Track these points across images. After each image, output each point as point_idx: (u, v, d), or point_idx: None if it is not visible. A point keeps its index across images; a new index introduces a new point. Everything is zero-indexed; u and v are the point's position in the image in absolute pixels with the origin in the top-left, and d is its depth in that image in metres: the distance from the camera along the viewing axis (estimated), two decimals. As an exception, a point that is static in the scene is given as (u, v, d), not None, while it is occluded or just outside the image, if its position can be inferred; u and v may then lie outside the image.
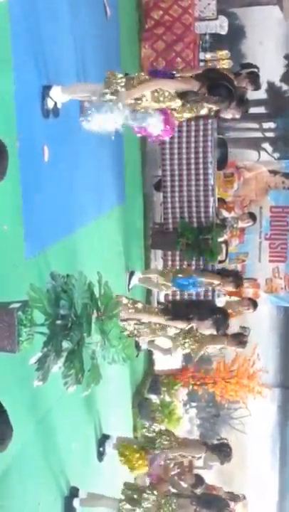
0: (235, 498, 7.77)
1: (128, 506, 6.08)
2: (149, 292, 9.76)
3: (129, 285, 8.42)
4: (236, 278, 8.41)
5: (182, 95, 5.38)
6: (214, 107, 5.62)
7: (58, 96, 5.54)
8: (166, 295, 9.04)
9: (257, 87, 7.03)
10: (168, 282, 8.28)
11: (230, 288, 8.47)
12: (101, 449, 7.09)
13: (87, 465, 6.91)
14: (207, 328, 6.32)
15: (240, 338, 7.41)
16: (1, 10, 4.62)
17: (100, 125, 5.27)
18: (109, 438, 7.21)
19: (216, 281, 8.29)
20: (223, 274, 8.48)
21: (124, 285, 8.30)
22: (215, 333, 6.42)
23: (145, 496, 6.10)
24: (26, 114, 5.19)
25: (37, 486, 5.45)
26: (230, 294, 9.60)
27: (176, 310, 6.62)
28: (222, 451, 6.84)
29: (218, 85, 5.45)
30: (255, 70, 6.98)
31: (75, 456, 6.45)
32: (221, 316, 6.27)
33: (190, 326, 6.38)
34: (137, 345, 8.17)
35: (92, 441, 7.13)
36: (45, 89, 5.50)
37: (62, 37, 6.09)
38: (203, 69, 5.93)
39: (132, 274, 8.47)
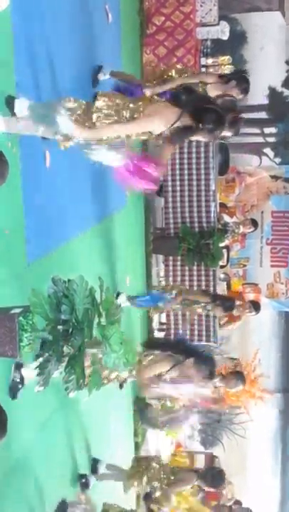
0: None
1: None
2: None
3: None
4: (225, 303, 8.29)
5: (172, 140, 4.62)
6: (206, 139, 4.83)
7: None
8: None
9: (246, 93, 6.73)
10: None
11: (219, 313, 8.37)
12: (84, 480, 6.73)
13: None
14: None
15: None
16: (3, 16, 4.63)
17: (104, 159, 4.77)
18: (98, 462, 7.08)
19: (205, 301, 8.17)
20: (215, 297, 8.35)
21: (124, 289, 8.29)
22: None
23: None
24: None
25: (39, 489, 5.44)
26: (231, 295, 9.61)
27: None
28: (214, 479, 6.62)
29: (202, 109, 4.54)
30: (245, 75, 6.86)
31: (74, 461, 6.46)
32: (209, 372, 5.93)
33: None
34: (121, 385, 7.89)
35: (91, 448, 7.12)
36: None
37: (63, 42, 6.10)
38: (179, 89, 5.19)
39: (117, 295, 8.05)
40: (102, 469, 6.81)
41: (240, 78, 6.61)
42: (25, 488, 5.22)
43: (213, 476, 6.60)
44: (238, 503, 8.33)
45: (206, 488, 6.68)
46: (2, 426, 2.97)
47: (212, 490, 6.95)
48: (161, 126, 4.54)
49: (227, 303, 8.21)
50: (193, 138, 4.82)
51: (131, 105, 4.53)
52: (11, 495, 4.91)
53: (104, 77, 7.04)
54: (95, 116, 4.49)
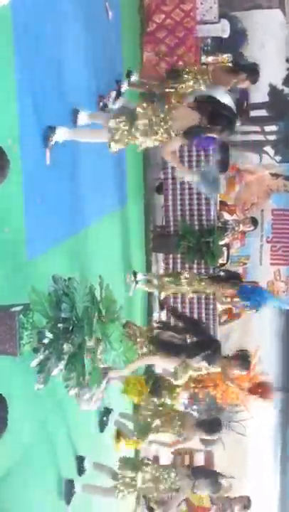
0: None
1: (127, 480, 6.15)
2: (150, 294, 9.75)
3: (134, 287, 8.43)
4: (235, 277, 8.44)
5: (186, 134, 5.51)
6: (216, 135, 5.79)
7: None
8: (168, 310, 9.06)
9: (255, 83, 7.49)
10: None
11: (228, 288, 8.48)
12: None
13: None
14: (197, 363, 6.19)
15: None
16: (3, 12, 4.62)
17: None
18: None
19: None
20: (220, 279, 8.46)
21: (124, 288, 8.29)
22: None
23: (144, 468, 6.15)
24: (29, 116, 5.20)
25: (39, 486, 5.45)
26: (232, 296, 9.59)
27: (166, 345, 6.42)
28: (211, 425, 6.84)
29: (218, 115, 5.62)
30: (256, 68, 7.29)
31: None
32: (211, 353, 6.12)
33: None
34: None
35: (92, 446, 7.12)
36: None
37: (63, 41, 6.09)
38: (199, 100, 5.90)
39: (135, 275, 8.49)
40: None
41: (251, 71, 7.31)
42: (26, 487, 5.23)
43: (210, 422, 6.87)
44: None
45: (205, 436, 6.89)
46: (2, 421, 2.96)
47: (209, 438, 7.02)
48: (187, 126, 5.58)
49: (235, 277, 8.52)
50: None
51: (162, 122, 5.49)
52: (11, 491, 4.91)
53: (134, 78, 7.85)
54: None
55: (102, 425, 7.29)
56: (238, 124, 6.55)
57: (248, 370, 7.40)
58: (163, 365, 6.44)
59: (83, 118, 6.00)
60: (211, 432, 6.87)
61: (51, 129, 5.46)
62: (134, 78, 8.15)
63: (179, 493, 6.23)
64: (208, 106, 5.66)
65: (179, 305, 9.29)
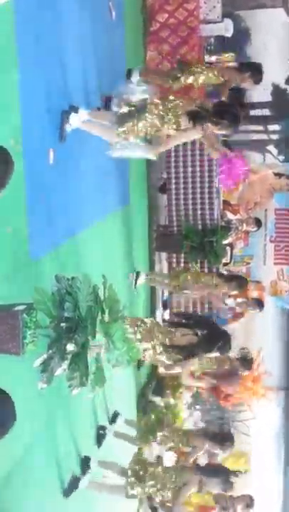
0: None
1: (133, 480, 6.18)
2: (153, 291, 9.75)
3: (135, 285, 8.44)
4: (240, 280, 8.42)
5: (192, 116, 5.65)
6: (220, 131, 5.90)
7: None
8: (173, 313, 9.07)
9: (258, 83, 7.44)
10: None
11: (232, 289, 8.47)
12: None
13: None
14: (213, 355, 6.38)
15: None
16: (5, 11, 4.62)
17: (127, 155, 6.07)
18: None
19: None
20: (227, 278, 8.47)
21: (128, 287, 8.29)
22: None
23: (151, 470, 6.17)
24: (32, 116, 5.20)
25: (40, 485, 5.45)
26: (236, 295, 9.57)
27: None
28: (224, 439, 6.80)
29: (224, 111, 5.80)
30: (259, 68, 7.27)
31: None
32: (222, 344, 6.21)
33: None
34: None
35: (94, 446, 7.12)
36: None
37: (66, 40, 6.09)
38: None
39: (137, 274, 8.48)
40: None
41: (254, 70, 7.27)
42: (27, 487, 5.22)
43: (224, 438, 6.87)
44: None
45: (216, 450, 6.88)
46: (11, 415, 2.95)
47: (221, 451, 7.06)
48: (195, 135, 5.98)
49: (241, 280, 8.46)
50: (215, 131, 5.90)
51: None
52: (13, 489, 4.91)
53: (134, 79, 7.73)
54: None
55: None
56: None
57: (250, 369, 7.41)
58: (186, 370, 6.43)
59: (82, 116, 5.92)
60: (225, 448, 6.87)
61: (67, 113, 5.65)
62: (134, 78, 7.95)
63: (185, 487, 6.18)
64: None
65: (183, 307, 9.31)
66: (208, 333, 6.20)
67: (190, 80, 7.43)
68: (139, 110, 5.62)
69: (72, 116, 5.70)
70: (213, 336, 6.21)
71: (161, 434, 6.86)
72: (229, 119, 5.80)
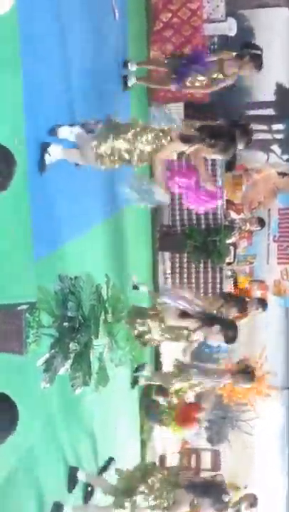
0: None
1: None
2: (156, 291, 9.74)
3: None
4: (239, 303, 8.29)
5: (186, 140, 5.27)
6: (216, 156, 5.62)
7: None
8: None
9: (260, 69, 7.01)
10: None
11: (233, 313, 8.38)
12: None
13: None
14: (215, 333, 6.32)
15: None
16: (10, 13, 4.63)
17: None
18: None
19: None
20: (227, 298, 8.34)
21: (131, 286, 8.29)
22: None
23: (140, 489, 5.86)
24: (35, 116, 5.21)
25: (42, 489, 5.46)
26: (237, 317, 9.56)
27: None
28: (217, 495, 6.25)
29: (219, 133, 5.37)
30: (259, 51, 6.97)
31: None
32: (230, 331, 6.27)
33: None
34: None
35: (97, 446, 7.13)
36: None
37: (70, 40, 6.09)
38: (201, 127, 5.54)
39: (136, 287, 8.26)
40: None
41: (254, 55, 6.87)
42: (27, 488, 5.23)
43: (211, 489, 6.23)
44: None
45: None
46: (13, 422, 2.96)
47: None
48: (183, 147, 5.36)
49: (241, 303, 8.24)
50: (209, 156, 5.73)
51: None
52: (13, 493, 4.92)
53: (131, 82, 7.65)
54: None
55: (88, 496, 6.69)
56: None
57: (253, 381, 7.40)
58: (177, 321, 6.37)
59: (64, 132, 5.51)
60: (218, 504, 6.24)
61: (44, 148, 5.26)
62: (131, 67, 7.78)
63: (175, 505, 5.89)
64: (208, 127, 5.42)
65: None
66: (218, 317, 6.27)
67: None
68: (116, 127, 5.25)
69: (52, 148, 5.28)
70: (223, 321, 6.31)
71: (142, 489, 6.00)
72: (225, 142, 5.36)
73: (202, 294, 8.46)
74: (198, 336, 6.52)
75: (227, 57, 7.06)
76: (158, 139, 5.23)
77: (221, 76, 7.10)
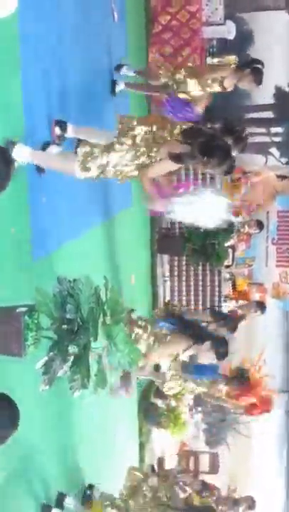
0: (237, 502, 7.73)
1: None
2: (154, 293, 9.76)
3: None
4: (229, 323, 8.23)
5: (177, 159, 4.89)
6: (214, 172, 5.26)
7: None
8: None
9: (259, 83, 6.81)
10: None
11: (223, 332, 8.34)
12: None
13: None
14: (205, 351, 6.10)
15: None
16: (10, 16, 4.63)
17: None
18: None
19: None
20: (219, 317, 8.28)
21: (130, 289, 8.28)
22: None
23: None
24: (34, 117, 5.21)
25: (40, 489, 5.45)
26: (238, 297, 9.56)
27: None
28: None
29: (212, 147, 4.84)
30: (259, 66, 6.88)
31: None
32: (222, 350, 6.09)
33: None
34: None
35: (96, 448, 7.12)
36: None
37: (69, 42, 6.10)
38: (183, 130, 5.13)
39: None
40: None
41: (254, 69, 6.70)
42: (26, 488, 5.22)
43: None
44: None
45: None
46: (14, 421, 2.97)
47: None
48: (174, 166, 5.04)
49: (231, 324, 8.17)
50: (204, 170, 5.44)
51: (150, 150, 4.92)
52: (12, 495, 4.91)
53: (119, 87, 7.28)
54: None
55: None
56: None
57: (248, 385, 7.37)
58: (166, 349, 6.14)
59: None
60: None
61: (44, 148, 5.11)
62: (124, 71, 7.52)
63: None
64: (198, 137, 4.89)
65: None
66: (213, 335, 6.13)
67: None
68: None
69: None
70: (217, 339, 6.12)
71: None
72: (219, 157, 4.87)
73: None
74: (187, 356, 6.26)
75: (225, 74, 6.87)
76: (137, 159, 4.91)
77: (219, 89, 7.00)
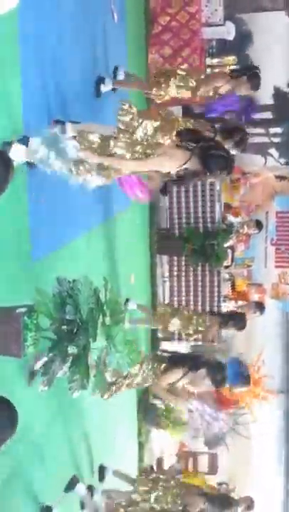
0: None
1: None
2: (153, 294, 9.75)
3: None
4: (239, 322, 8.21)
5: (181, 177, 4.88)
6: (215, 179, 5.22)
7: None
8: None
9: (257, 89, 6.89)
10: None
11: (232, 331, 8.33)
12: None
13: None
14: (201, 379, 5.84)
15: None
16: (10, 17, 4.63)
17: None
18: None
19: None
20: (226, 317, 8.27)
21: (129, 289, 8.29)
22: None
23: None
24: (33, 117, 5.21)
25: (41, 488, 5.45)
26: (237, 298, 9.57)
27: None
28: (223, 504, 6.35)
29: (212, 157, 4.86)
30: (256, 71, 6.88)
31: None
32: (219, 378, 5.83)
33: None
34: None
35: (95, 448, 7.12)
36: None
37: (68, 43, 6.10)
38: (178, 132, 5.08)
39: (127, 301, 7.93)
40: (108, 476, 6.83)
41: (251, 75, 6.71)
42: (25, 489, 5.22)
43: (222, 501, 6.41)
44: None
45: None
46: (13, 423, 2.97)
47: None
48: (171, 167, 4.95)
49: (241, 323, 8.18)
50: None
51: (145, 142, 4.82)
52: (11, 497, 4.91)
53: (105, 88, 7.03)
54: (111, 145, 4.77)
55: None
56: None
57: (248, 385, 7.35)
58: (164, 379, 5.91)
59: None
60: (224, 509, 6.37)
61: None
62: (121, 77, 7.37)
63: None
64: (193, 140, 4.88)
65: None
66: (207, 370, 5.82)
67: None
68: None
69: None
70: (213, 365, 5.86)
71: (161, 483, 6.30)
72: (218, 167, 4.93)
73: (200, 320, 8.23)
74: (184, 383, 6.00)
75: (221, 83, 6.80)
76: (133, 153, 4.85)
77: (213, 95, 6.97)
